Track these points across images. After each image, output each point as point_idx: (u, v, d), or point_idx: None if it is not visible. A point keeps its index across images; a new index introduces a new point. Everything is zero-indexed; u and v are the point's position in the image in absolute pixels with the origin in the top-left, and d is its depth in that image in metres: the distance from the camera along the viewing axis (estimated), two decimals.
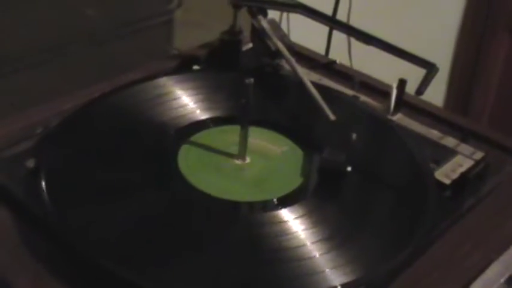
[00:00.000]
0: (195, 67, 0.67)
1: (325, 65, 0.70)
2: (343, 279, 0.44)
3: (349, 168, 0.53)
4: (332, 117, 0.56)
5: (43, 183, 0.48)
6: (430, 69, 0.52)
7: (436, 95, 1.32)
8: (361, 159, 0.54)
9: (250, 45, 0.68)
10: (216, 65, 0.67)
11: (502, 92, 1.30)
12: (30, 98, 0.60)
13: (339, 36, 0.94)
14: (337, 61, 0.71)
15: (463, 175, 0.54)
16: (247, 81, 0.50)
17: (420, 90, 0.51)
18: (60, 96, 0.60)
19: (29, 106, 0.58)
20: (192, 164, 0.53)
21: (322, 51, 0.98)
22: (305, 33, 0.78)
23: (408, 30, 1.13)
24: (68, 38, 0.70)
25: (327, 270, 0.45)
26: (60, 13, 0.69)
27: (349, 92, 0.65)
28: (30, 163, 0.51)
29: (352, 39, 0.93)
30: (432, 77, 0.51)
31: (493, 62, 1.28)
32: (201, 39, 0.72)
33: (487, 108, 1.31)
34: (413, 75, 0.60)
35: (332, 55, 0.90)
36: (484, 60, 1.28)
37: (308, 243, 0.47)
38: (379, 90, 0.66)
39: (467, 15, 1.31)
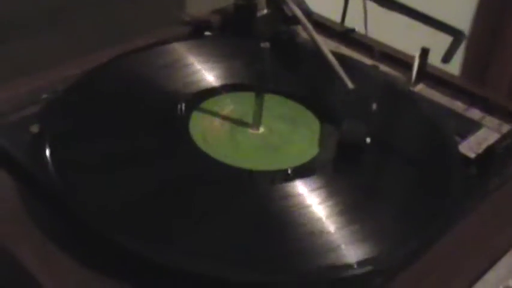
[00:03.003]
0: (207, 33, 0.64)
1: (343, 34, 0.67)
2: (360, 257, 0.42)
3: (368, 140, 0.50)
4: (351, 85, 0.53)
5: (47, 149, 0.46)
6: (458, 36, 0.49)
7: (452, 65, 1.28)
8: (381, 131, 0.51)
9: (265, 11, 0.65)
10: (229, 32, 0.64)
11: None
12: (36, 63, 0.58)
13: (354, 6, 0.90)
14: (356, 29, 0.68)
15: (489, 149, 0.51)
16: (263, 45, 0.48)
17: (446, 58, 0.48)
18: (67, 61, 0.58)
19: (35, 71, 0.56)
20: (204, 131, 0.50)
21: (337, 20, 0.94)
22: (320, 1, 0.75)
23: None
24: (75, 2, 0.67)
25: (343, 245, 0.43)
26: None
27: (368, 61, 0.63)
28: (35, 128, 0.49)
29: (369, 9, 0.90)
30: (459, 45, 0.49)
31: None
32: (213, 4, 0.70)
33: (505, 81, 1.27)
34: (431, 46, 0.58)
35: (348, 24, 0.87)
36: (503, 31, 1.24)
37: (323, 217, 0.44)
38: (399, 60, 0.63)
39: None
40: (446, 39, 0.57)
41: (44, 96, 0.53)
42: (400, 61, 0.63)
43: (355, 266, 0.41)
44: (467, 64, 1.30)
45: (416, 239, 0.44)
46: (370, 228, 0.44)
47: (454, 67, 1.33)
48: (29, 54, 0.62)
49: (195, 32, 0.65)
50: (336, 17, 0.87)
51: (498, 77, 1.27)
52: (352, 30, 0.68)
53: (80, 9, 0.67)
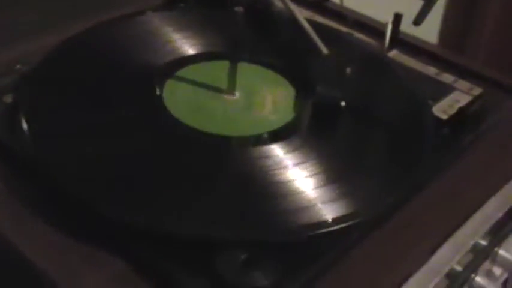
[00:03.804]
0: (181, 5, 0.64)
1: (317, 3, 0.68)
2: (335, 214, 0.43)
3: (343, 103, 0.51)
4: (325, 51, 0.54)
5: (22, 120, 0.46)
6: None
7: (430, 33, 1.28)
8: (355, 95, 0.52)
9: None
10: (202, 2, 0.64)
11: (498, 30, 1.26)
12: (9, 34, 0.57)
13: None
14: None
15: (461, 110, 0.52)
16: (236, 8, 0.48)
17: (417, 21, 0.49)
18: (41, 31, 0.57)
19: (9, 42, 0.55)
20: (179, 99, 0.51)
21: None
22: None
23: None
24: None
25: (319, 204, 0.43)
26: None
27: (343, 29, 0.63)
28: (8, 98, 0.49)
29: None
30: (431, 7, 0.49)
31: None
32: None
33: (481, 48, 1.27)
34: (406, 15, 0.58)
35: None
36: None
37: (300, 178, 0.45)
38: (373, 28, 0.64)
39: None
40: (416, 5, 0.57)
41: (18, 67, 0.52)
42: (374, 29, 0.63)
43: (330, 222, 0.42)
44: (444, 33, 1.31)
45: (390, 195, 0.45)
46: (345, 187, 0.45)
47: (432, 36, 1.34)
48: (3, 26, 0.61)
49: (169, 3, 0.65)
50: None
51: (475, 45, 1.28)
52: (325, 0, 0.68)
53: None
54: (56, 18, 0.60)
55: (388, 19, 0.60)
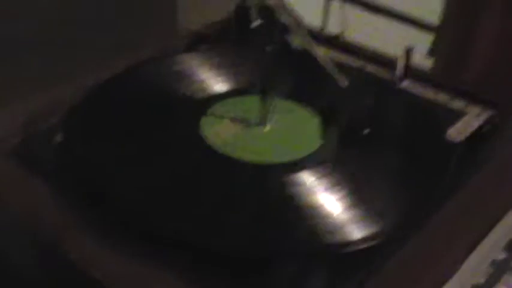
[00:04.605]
0: (204, 46, 0.69)
1: (330, 39, 0.72)
2: (364, 233, 0.47)
3: (366, 131, 0.55)
4: (345, 84, 0.58)
5: (72, 155, 0.50)
6: (437, 30, 0.54)
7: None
8: (376, 123, 0.56)
9: (258, 21, 0.70)
10: (226, 43, 0.69)
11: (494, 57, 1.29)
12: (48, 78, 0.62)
13: (333, 13, 0.95)
14: (341, 35, 0.73)
15: (473, 133, 0.56)
16: (267, 48, 0.52)
17: (433, 51, 0.53)
18: (79, 75, 0.61)
19: (50, 86, 0.60)
20: (215, 132, 0.55)
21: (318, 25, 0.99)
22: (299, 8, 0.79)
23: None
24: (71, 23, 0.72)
25: (349, 225, 0.47)
26: None
27: (356, 63, 0.68)
28: (58, 137, 0.53)
29: (349, 15, 0.95)
30: (441, 37, 0.54)
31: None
32: (205, 18, 0.74)
33: (479, 61, 1.30)
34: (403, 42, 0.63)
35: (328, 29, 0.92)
36: (475, 19, 1.27)
37: (330, 201, 0.49)
38: (383, 61, 0.69)
39: None
40: (418, 34, 0.62)
41: (64, 107, 0.56)
42: (383, 62, 0.68)
43: (359, 242, 0.46)
44: (441, 53, 1.34)
45: (415, 215, 0.49)
46: (372, 209, 0.49)
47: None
48: (41, 69, 0.66)
49: (192, 44, 0.70)
50: (315, 22, 0.92)
51: (472, 64, 1.31)
52: (338, 36, 0.73)
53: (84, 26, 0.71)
54: (85, 64, 0.64)
55: (398, 52, 0.65)
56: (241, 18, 0.68)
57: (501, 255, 0.54)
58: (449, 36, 1.25)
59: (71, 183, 0.49)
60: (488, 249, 0.51)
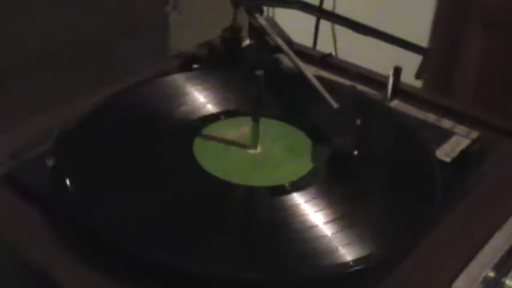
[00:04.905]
0: (195, 66, 0.70)
1: (321, 59, 0.73)
2: (355, 255, 0.47)
3: (355, 152, 0.55)
4: (335, 105, 0.59)
5: (66, 180, 0.51)
6: (425, 53, 0.55)
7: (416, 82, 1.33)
8: (365, 144, 0.57)
9: (248, 41, 0.71)
10: (216, 63, 0.70)
11: (483, 63, 1.30)
12: (43, 102, 0.62)
13: (322, 31, 0.96)
14: (332, 54, 0.74)
15: (462, 153, 0.57)
16: (257, 73, 0.53)
17: (419, 75, 0.54)
18: (69, 98, 0.62)
19: (44, 110, 0.60)
20: (207, 154, 0.55)
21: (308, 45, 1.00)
22: (288, 28, 0.81)
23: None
24: (70, 44, 0.72)
25: (340, 247, 0.48)
26: (60, 20, 0.71)
27: (347, 82, 0.68)
28: (50, 162, 0.53)
29: (338, 33, 0.96)
30: (428, 61, 0.55)
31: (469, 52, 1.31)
32: (197, 39, 0.75)
33: (468, 81, 1.32)
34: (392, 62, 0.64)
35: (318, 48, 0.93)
36: (462, 41, 1.29)
37: (320, 223, 0.50)
38: (373, 79, 0.69)
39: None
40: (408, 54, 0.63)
41: (55, 132, 0.57)
42: (373, 80, 0.69)
43: (351, 264, 0.46)
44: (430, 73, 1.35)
45: (405, 238, 0.49)
46: (363, 230, 0.49)
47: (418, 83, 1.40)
48: (33, 94, 0.66)
49: (184, 65, 0.70)
50: (306, 42, 0.93)
51: (460, 84, 1.33)
52: (329, 55, 0.74)
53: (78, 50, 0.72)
54: (80, 85, 0.65)
55: (387, 71, 0.66)
56: (231, 39, 0.69)
57: (491, 274, 0.54)
58: (437, 57, 1.27)
59: (62, 210, 0.49)
60: (480, 267, 0.51)
